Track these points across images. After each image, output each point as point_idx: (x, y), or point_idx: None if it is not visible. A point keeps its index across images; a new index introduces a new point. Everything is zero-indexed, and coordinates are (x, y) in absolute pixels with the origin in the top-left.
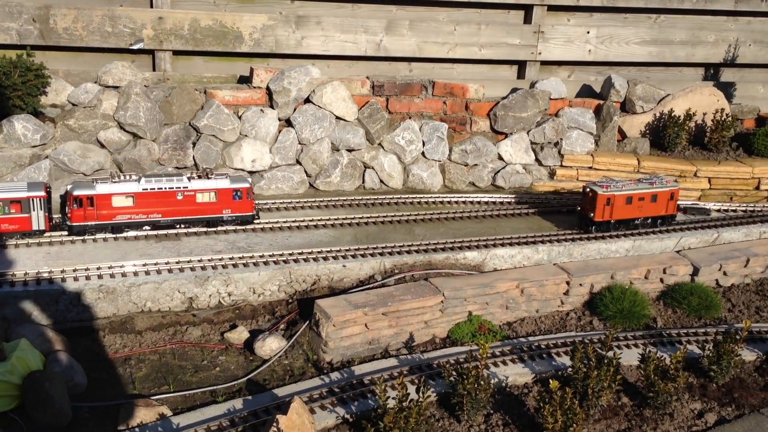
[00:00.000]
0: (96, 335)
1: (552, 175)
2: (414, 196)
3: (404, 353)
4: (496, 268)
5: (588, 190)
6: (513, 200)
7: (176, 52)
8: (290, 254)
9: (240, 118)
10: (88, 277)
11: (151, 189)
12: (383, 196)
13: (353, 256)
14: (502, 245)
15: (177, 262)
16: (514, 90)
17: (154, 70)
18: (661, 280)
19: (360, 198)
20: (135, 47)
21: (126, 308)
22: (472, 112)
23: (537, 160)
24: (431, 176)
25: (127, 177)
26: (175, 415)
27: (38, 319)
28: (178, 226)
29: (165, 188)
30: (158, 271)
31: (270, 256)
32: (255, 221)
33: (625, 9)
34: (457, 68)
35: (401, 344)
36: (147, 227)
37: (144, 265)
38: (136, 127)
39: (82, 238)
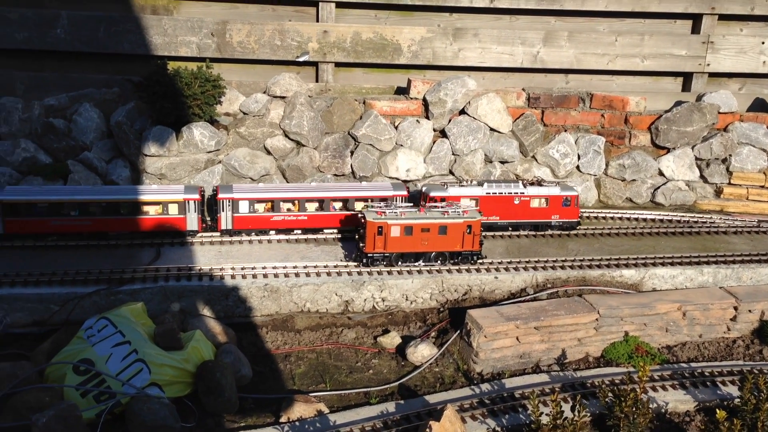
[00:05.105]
0: (259, 331)
1: (718, 193)
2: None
3: (555, 369)
4: (655, 288)
5: (360, 215)
6: (674, 218)
7: (338, 64)
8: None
9: (396, 128)
10: (254, 276)
11: (492, 193)
12: None
13: (505, 269)
14: (663, 264)
15: (335, 266)
16: (678, 103)
17: (317, 81)
18: None
19: None
20: (301, 59)
21: (287, 307)
22: (631, 125)
23: (702, 176)
24: (585, 191)
25: (470, 182)
26: (332, 413)
27: (210, 313)
28: (509, 228)
29: (504, 193)
30: (318, 274)
31: (424, 264)
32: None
33: None
34: (616, 80)
35: (553, 360)
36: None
37: (305, 267)
38: (299, 135)
39: (248, 239)
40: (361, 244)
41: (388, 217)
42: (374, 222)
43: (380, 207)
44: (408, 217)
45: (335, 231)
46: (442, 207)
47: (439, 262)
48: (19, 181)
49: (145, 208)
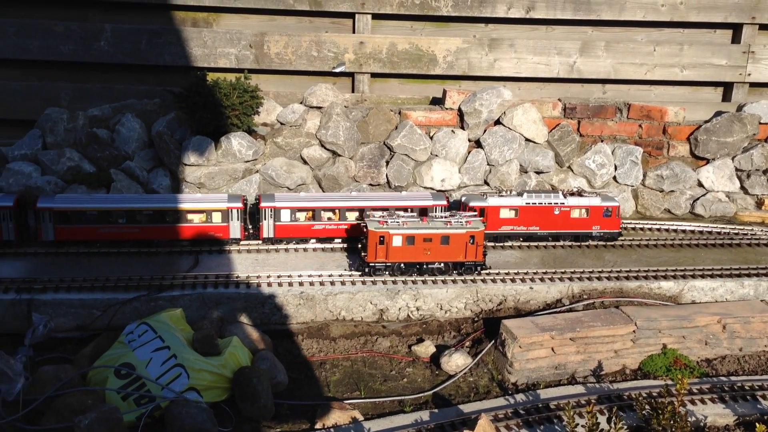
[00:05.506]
0: (295, 338)
1: (759, 204)
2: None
3: (591, 381)
4: (694, 301)
5: (363, 224)
6: (714, 230)
7: (374, 75)
8: (478, 273)
9: (431, 138)
10: (290, 284)
11: (532, 203)
12: None
13: (541, 279)
14: (702, 277)
15: (370, 275)
16: (718, 113)
17: (353, 91)
18: None
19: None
20: (337, 70)
21: (323, 315)
22: (670, 136)
23: (742, 188)
24: (623, 201)
25: (510, 192)
26: (366, 421)
27: (247, 320)
28: (549, 239)
29: (544, 203)
30: (353, 282)
31: (458, 274)
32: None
33: None
34: (654, 90)
35: (588, 372)
36: (521, 239)
37: (340, 275)
38: (335, 145)
39: (285, 247)
40: (363, 254)
41: (390, 227)
42: (376, 231)
43: (382, 216)
44: (410, 226)
45: None
46: (445, 217)
47: (443, 269)
48: (64, 189)
49: (190, 216)
